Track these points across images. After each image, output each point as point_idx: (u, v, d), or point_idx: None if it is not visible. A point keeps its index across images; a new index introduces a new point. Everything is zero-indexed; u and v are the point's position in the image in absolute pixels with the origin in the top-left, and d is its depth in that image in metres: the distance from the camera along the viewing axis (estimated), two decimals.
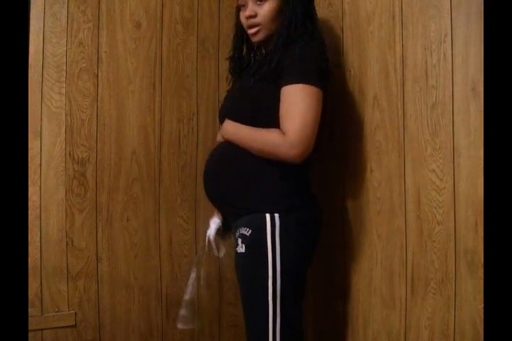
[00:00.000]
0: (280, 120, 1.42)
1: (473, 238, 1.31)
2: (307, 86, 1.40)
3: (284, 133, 1.40)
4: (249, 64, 1.65)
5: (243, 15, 1.56)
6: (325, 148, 1.76)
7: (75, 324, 1.76)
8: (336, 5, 1.73)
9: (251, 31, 1.55)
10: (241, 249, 1.44)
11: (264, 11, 1.52)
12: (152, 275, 1.88)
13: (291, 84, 1.41)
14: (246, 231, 1.45)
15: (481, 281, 1.28)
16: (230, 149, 1.52)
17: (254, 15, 1.53)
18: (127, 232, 1.84)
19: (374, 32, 1.59)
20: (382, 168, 1.57)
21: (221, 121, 1.61)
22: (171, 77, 1.92)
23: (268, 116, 1.45)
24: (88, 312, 1.78)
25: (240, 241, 1.45)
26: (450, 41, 1.36)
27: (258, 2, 1.52)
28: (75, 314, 1.76)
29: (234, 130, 1.51)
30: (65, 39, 1.75)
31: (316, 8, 1.80)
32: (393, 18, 1.52)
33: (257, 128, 1.47)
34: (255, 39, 1.57)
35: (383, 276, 1.57)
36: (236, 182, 1.50)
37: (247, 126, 1.48)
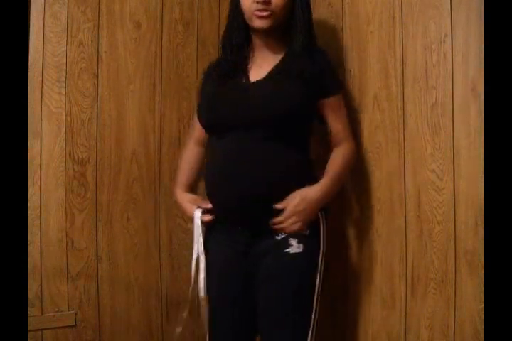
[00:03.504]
0: (338, 127, 1.55)
1: (473, 238, 1.31)
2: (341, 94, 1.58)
3: (346, 144, 1.56)
4: (244, 59, 1.55)
5: None
6: (325, 148, 1.77)
7: (75, 324, 1.75)
8: (336, 5, 1.73)
9: (262, 14, 1.45)
10: (297, 248, 1.44)
11: (279, 0, 1.47)
12: (152, 275, 1.88)
13: (337, 94, 1.55)
14: (304, 231, 1.46)
15: (481, 281, 1.28)
16: (266, 154, 1.46)
17: (269, 2, 1.46)
18: (127, 232, 1.84)
19: (374, 32, 1.59)
20: (382, 168, 1.57)
21: (242, 124, 1.46)
22: (171, 77, 1.92)
23: (301, 124, 1.52)
24: (88, 312, 1.77)
25: (295, 241, 1.44)
26: (450, 41, 1.36)
27: None
28: (75, 314, 1.75)
29: (326, 193, 1.50)
30: (65, 39, 1.75)
31: (316, 8, 1.80)
32: (393, 18, 1.52)
33: (334, 170, 1.52)
34: (262, 24, 1.47)
35: (383, 276, 1.57)
36: (283, 183, 1.46)
37: (326, 178, 1.50)
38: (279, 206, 1.45)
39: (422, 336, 1.44)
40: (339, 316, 1.73)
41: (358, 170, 1.65)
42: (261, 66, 1.54)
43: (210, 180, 1.53)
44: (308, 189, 1.47)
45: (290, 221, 1.44)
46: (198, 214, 1.54)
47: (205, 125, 1.57)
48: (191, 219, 1.58)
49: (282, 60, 1.53)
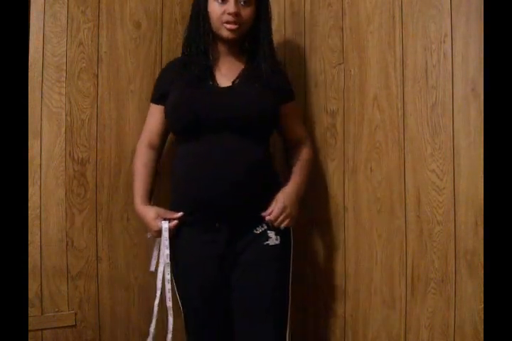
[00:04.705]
0: (296, 128, 1.70)
1: (473, 238, 1.31)
2: None
3: (304, 142, 1.70)
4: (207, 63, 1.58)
5: (223, 9, 1.51)
6: (325, 148, 1.77)
7: (75, 324, 1.75)
8: (336, 5, 1.73)
9: (232, 26, 1.53)
10: (275, 241, 1.54)
11: (248, 13, 1.55)
12: (152, 275, 1.87)
13: (294, 99, 1.69)
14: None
15: (481, 281, 1.28)
16: (246, 152, 1.52)
17: (240, 14, 1.52)
18: (127, 232, 1.84)
19: (374, 32, 1.59)
20: (382, 168, 1.57)
21: (223, 125, 1.51)
22: None
23: (274, 125, 1.62)
24: (88, 312, 1.77)
25: (272, 234, 1.54)
26: (450, 41, 1.37)
27: (242, 3, 1.52)
28: (75, 314, 1.75)
29: (301, 190, 1.62)
30: (65, 39, 1.75)
31: (316, 8, 1.80)
32: (393, 18, 1.52)
33: (301, 165, 1.65)
34: (231, 35, 1.54)
35: (383, 276, 1.57)
36: (265, 184, 1.56)
37: (297, 177, 1.63)
38: (267, 212, 1.53)
39: (422, 336, 1.44)
40: (339, 316, 1.73)
41: (357, 170, 1.65)
42: (225, 72, 1.60)
43: (187, 180, 1.54)
44: (288, 188, 1.58)
45: (281, 217, 1.53)
46: (165, 226, 1.54)
47: (181, 127, 1.56)
48: (152, 231, 1.58)
49: (247, 68, 1.61)
